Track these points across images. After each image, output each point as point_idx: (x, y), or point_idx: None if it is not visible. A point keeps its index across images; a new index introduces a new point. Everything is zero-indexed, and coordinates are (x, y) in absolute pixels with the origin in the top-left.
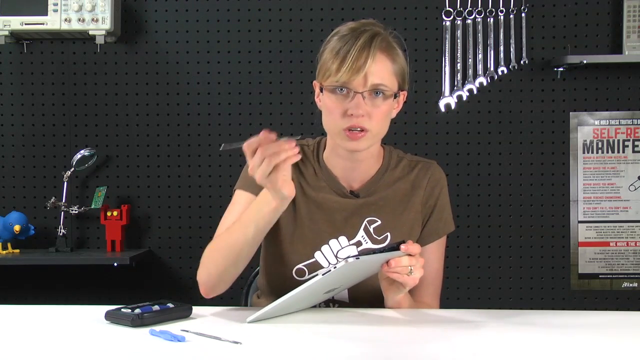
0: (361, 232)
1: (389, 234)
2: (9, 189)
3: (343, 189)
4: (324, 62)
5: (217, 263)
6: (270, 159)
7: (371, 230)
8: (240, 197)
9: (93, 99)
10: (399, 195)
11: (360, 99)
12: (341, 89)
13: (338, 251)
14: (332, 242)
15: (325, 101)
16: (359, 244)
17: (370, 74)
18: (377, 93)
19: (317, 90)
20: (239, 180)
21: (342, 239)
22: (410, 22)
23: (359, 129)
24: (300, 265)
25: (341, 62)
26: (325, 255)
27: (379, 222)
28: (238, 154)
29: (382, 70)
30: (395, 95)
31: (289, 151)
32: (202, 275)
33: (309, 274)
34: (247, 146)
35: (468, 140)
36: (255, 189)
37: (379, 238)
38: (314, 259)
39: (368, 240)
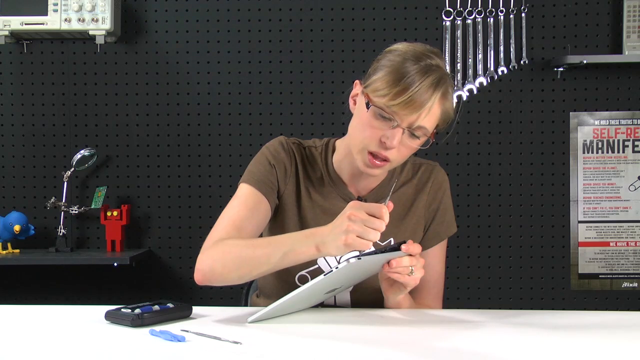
0: None
1: (392, 239)
2: (9, 189)
3: (350, 196)
4: (381, 79)
5: (225, 264)
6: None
7: None
8: (244, 190)
9: (93, 99)
10: (402, 200)
11: (399, 133)
12: (386, 115)
13: (340, 257)
14: None
15: (364, 115)
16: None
17: (422, 116)
18: (414, 135)
19: (357, 90)
20: (245, 173)
21: None
22: (410, 22)
23: (382, 158)
24: (303, 272)
25: (401, 92)
26: (328, 261)
27: None
28: (238, 153)
29: (432, 116)
30: (428, 140)
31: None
32: (204, 265)
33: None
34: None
35: (468, 140)
36: (261, 185)
37: (382, 244)
38: (316, 266)
39: (371, 246)
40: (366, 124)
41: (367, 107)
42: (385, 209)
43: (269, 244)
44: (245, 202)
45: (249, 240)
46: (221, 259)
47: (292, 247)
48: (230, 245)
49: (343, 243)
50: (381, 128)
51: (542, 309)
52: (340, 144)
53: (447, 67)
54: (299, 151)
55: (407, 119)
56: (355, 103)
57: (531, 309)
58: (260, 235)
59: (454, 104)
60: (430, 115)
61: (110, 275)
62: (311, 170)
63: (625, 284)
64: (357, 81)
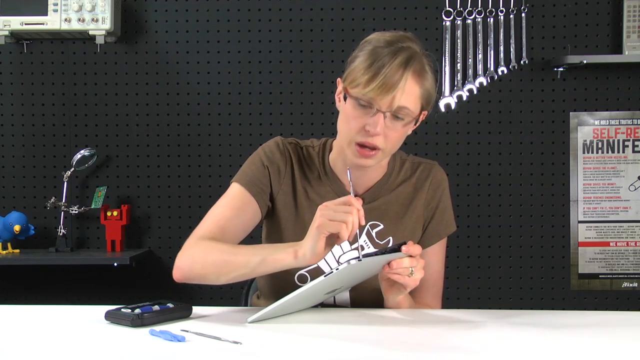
0: (363, 237)
1: (391, 238)
2: (9, 189)
3: (347, 194)
4: (355, 70)
5: (205, 266)
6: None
7: (373, 234)
8: (234, 189)
9: (93, 99)
10: (401, 199)
11: (381, 118)
12: (364, 102)
13: (340, 256)
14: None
15: (346, 108)
16: (361, 248)
17: (397, 96)
18: (398, 117)
19: (340, 88)
20: (238, 173)
21: (344, 244)
22: (410, 22)
23: (370, 147)
24: (302, 271)
25: (372, 77)
26: (326, 260)
27: (382, 226)
28: (238, 153)
29: (410, 94)
30: (416, 121)
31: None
32: (184, 263)
33: (310, 280)
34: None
35: (468, 140)
36: (251, 186)
37: (381, 242)
38: (315, 265)
39: (370, 244)
40: (349, 116)
41: (345, 100)
42: (353, 198)
43: (251, 249)
44: (232, 202)
45: (231, 246)
46: (201, 260)
47: (270, 253)
48: (212, 248)
49: (315, 227)
50: (362, 117)
51: (542, 309)
52: (336, 142)
53: (447, 66)
54: (296, 151)
55: (384, 102)
56: (340, 100)
57: (531, 309)
58: (252, 237)
59: (435, 83)
60: (407, 95)
61: (110, 275)
62: (308, 170)
63: (625, 284)
64: (339, 79)
